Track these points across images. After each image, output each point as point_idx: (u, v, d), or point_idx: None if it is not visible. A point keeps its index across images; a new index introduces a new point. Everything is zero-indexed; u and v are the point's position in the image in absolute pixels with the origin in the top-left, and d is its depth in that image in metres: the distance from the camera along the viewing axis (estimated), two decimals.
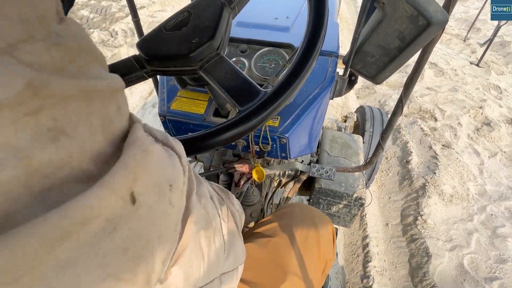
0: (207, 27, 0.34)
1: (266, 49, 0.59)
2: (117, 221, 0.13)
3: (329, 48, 0.67)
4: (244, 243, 0.44)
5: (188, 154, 0.32)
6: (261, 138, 0.57)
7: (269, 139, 0.56)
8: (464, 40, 4.16)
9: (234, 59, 0.60)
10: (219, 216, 0.28)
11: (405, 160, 1.94)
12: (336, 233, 0.84)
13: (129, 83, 0.36)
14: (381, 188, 1.88)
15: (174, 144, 0.20)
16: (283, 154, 0.60)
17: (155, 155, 0.17)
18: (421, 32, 0.50)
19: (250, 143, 0.57)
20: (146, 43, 0.35)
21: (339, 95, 0.72)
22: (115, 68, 0.35)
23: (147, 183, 0.15)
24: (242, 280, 0.40)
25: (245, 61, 0.59)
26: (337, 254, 1.52)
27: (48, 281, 0.11)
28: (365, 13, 0.54)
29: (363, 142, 1.48)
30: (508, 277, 1.31)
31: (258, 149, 0.60)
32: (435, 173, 1.75)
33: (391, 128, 0.79)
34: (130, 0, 0.74)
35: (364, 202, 1.00)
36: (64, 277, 0.11)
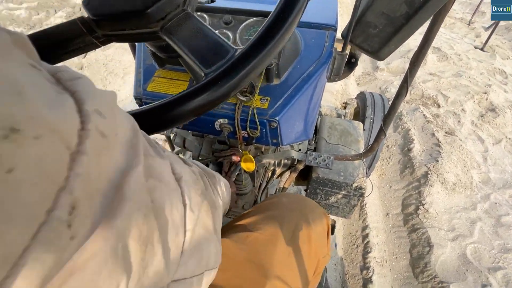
0: None
1: (253, 19, 0.52)
2: None
3: (326, 20, 0.60)
4: None
5: (148, 133, 0.26)
6: (248, 122, 0.50)
7: (258, 123, 0.49)
8: (469, 24, 4.03)
9: (217, 31, 0.53)
10: (185, 206, 0.22)
11: (406, 148, 1.88)
12: (334, 226, 0.79)
13: (75, 51, 0.29)
14: (381, 177, 1.83)
15: (81, 88, 0.14)
16: (275, 141, 0.54)
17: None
18: None
19: (237, 128, 0.51)
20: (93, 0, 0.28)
21: (337, 74, 0.65)
22: (56, 32, 0.28)
23: None
24: (210, 285, 0.33)
25: (230, 33, 0.52)
26: (336, 245, 1.48)
27: None
28: None
29: (363, 129, 1.42)
30: None
31: (246, 135, 0.53)
32: (437, 161, 1.69)
33: (394, 111, 0.72)
34: None
35: (364, 192, 0.94)
36: None
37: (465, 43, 3.39)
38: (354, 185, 0.93)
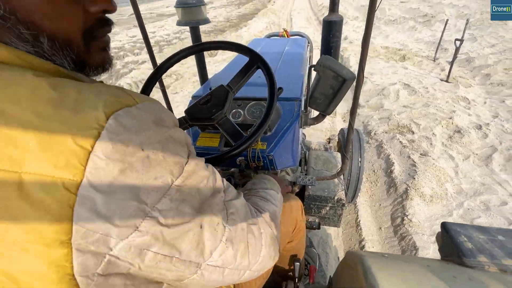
0: (220, 102, 0.68)
1: (252, 102, 0.94)
2: None
3: (295, 95, 1.03)
4: None
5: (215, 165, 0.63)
6: (256, 158, 0.89)
7: (261, 157, 0.88)
8: (434, 60, 4.66)
9: (234, 110, 0.95)
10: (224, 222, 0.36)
11: (389, 170, 2.22)
12: (319, 223, 1.11)
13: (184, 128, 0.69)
14: (372, 198, 2.13)
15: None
16: (272, 167, 0.92)
17: None
18: (342, 84, 0.85)
19: (250, 161, 0.89)
20: (190, 111, 0.70)
21: (306, 124, 1.06)
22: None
23: None
24: None
25: (241, 111, 0.94)
26: (338, 259, 1.73)
27: None
28: (310, 76, 0.90)
29: (347, 158, 1.79)
30: None
31: (255, 166, 0.91)
32: (414, 178, 2.02)
33: (356, 102, 0.93)
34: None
35: (344, 202, 1.28)
36: None
37: (431, 77, 3.95)
38: (336, 197, 1.27)
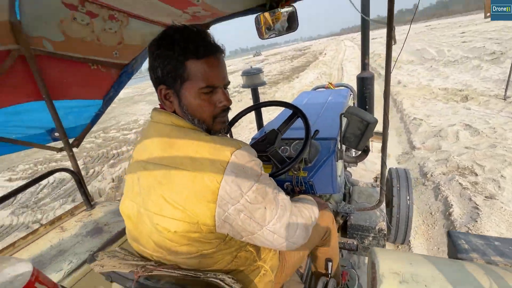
0: (271, 141, 1.00)
1: (296, 141, 1.25)
2: None
3: (331, 135, 1.30)
4: None
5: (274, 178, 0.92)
6: (299, 183, 1.15)
7: (303, 183, 1.14)
8: (504, 99, 4.30)
9: (282, 147, 1.26)
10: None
11: (447, 213, 2.12)
12: (358, 246, 1.24)
13: None
14: (428, 241, 2.04)
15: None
16: (312, 191, 1.15)
17: None
18: (366, 127, 1.09)
19: (294, 186, 1.15)
20: (252, 146, 1.05)
21: (341, 158, 1.29)
22: None
23: None
24: None
25: (288, 147, 1.24)
26: None
27: None
28: (343, 122, 1.17)
29: (393, 195, 1.85)
30: None
31: (298, 190, 1.17)
32: (477, 221, 1.89)
33: (386, 141, 1.17)
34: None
35: (385, 232, 1.37)
36: None
37: (501, 116, 3.64)
38: (377, 227, 1.38)
